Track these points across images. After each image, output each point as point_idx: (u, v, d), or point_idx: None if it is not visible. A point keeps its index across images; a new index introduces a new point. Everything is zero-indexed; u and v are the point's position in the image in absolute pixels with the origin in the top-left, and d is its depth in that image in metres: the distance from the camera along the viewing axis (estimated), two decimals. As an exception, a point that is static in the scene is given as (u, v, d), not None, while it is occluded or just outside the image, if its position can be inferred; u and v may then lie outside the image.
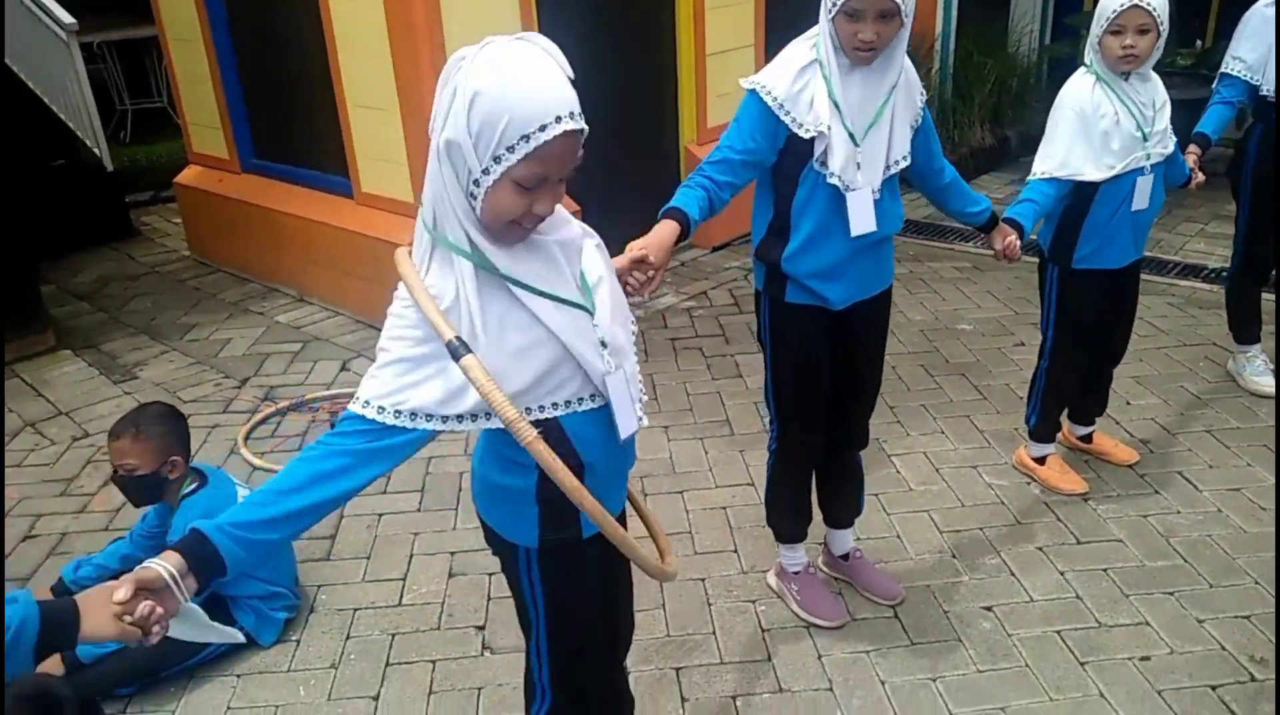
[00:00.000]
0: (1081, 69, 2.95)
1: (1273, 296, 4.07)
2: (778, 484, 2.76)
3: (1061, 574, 2.93)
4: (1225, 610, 2.74)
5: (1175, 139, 3.01)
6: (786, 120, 2.24)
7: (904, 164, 2.36)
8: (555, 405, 1.53)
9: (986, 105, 6.77)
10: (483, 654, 2.73)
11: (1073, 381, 3.27)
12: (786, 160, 2.30)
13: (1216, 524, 3.11)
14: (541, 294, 1.48)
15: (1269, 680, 2.50)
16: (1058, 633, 2.70)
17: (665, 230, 2.07)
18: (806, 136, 2.24)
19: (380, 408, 1.44)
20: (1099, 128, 2.87)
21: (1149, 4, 2.69)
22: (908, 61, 2.29)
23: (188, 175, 5.94)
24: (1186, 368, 4.09)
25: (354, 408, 1.46)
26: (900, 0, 2.09)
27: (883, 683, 2.57)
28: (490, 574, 3.02)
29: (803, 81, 2.23)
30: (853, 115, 2.24)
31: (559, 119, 1.34)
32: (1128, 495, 3.28)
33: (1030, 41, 7.62)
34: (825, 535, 2.93)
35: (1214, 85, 3.65)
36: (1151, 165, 2.94)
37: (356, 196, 4.83)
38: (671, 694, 2.56)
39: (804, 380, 2.52)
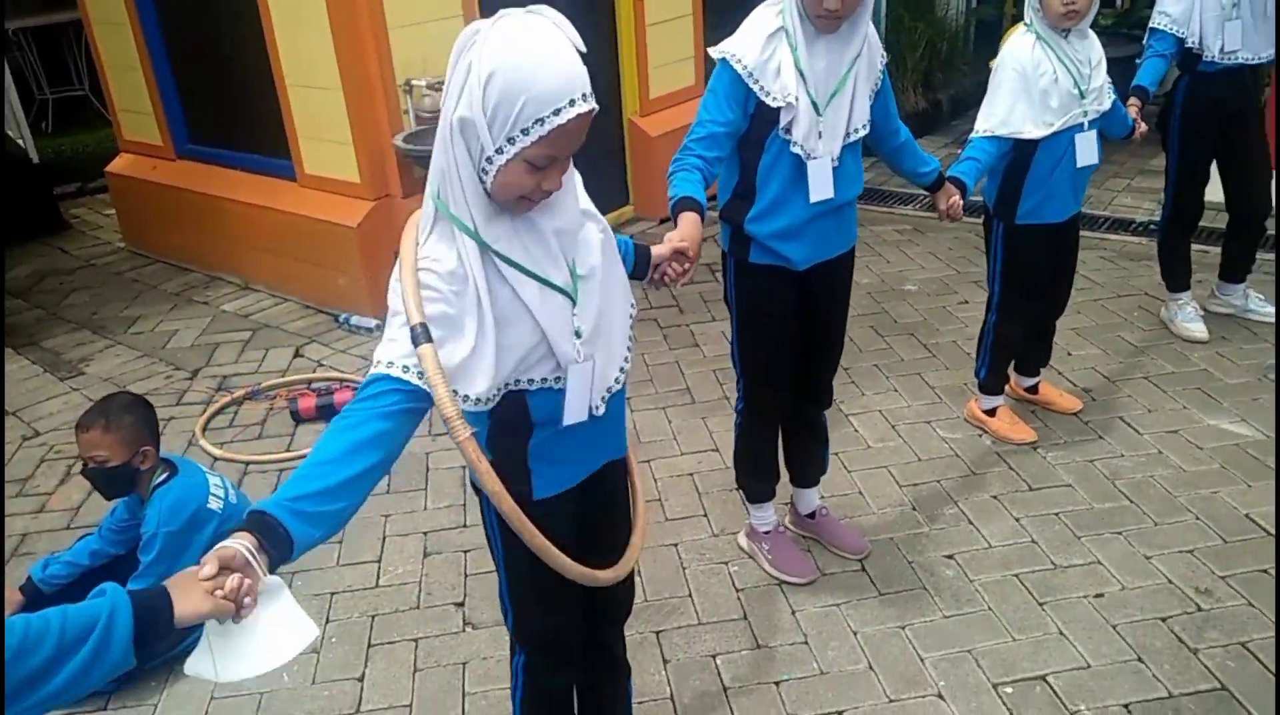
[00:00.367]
0: (1022, 28, 3.04)
1: (1204, 247, 4.23)
2: (746, 443, 2.83)
3: (1016, 520, 3.05)
4: (1170, 546, 2.89)
5: (1116, 93, 3.12)
6: (755, 89, 2.29)
7: (863, 132, 2.43)
8: (529, 381, 1.57)
9: (918, 70, 6.87)
10: (464, 630, 2.77)
11: (1020, 334, 3.39)
12: (753, 126, 2.35)
13: (1158, 465, 3.26)
14: (528, 273, 1.51)
15: (1214, 609, 2.65)
16: (1016, 576, 2.83)
17: (695, 223, 2.10)
18: (774, 105, 2.29)
19: (405, 367, 1.44)
20: (1038, 86, 2.97)
21: None
22: (871, 28, 2.35)
23: (119, 164, 5.79)
24: (1122, 318, 4.25)
25: (381, 370, 1.45)
26: None
27: (855, 633, 2.67)
28: (465, 551, 3.05)
29: (770, 49, 2.28)
30: (817, 84, 2.29)
31: (573, 102, 1.37)
32: (1074, 442, 3.42)
33: (958, 5, 7.75)
34: (792, 495, 3.02)
35: (1145, 40, 3.78)
36: (1090, 122, 3.05)
37: (300, 179, 4.76)
38: (653, 656, 2.62)
39: (769, 339, 2.59)
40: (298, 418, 3.81)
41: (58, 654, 1.13)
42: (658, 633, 2.70)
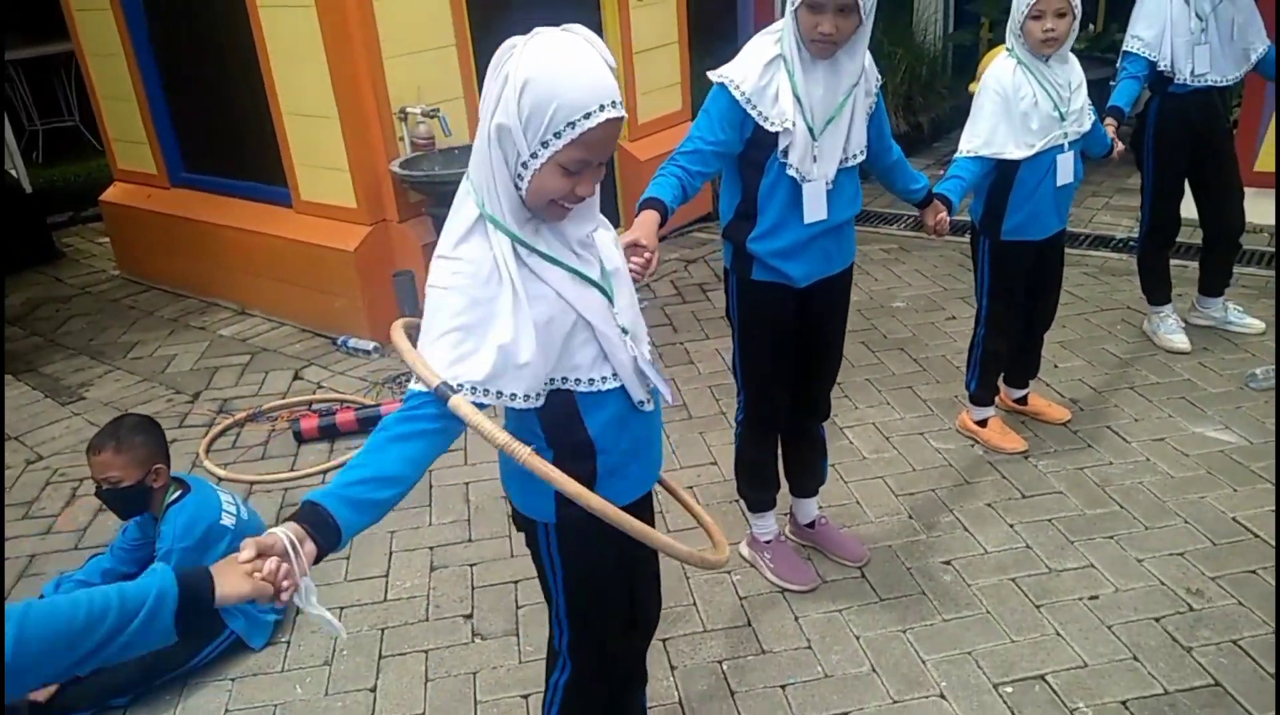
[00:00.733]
0: (1004, 52, 3.14)
1: (1183, 262, 4.35)
2: (746, 454, 2.89)
3: (1011, 526, 3.13)
4: (1161, 549, 2.97)
5: (1095, 113, 3.23)
6: (753, 114, 2.36)
7: (861, 158, 2.51)
8: (576, 381, 1.63)
9: (899, 94, 7.03)
10: (473, 640, 2.81)
11: (1007, 346, 3.48)
12: (753, 150, 2.43)
13: (1146, 472, 3.34)
14: (563, 266, 1.57)
15: (1206, 609, 2.72)
16: (1012, 580, 2.89)
17: (648, 218, 2.19)
18: (773, 130, 2.37)
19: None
20: (1019, 109, 3.08)
21: None
22: (868, 56, 2.43)
23: (114, 193, 5.84)
24: (1106, 331, 4.35)
25: (417, 387, 1.50)
26: None
27: (857, 637, 2.73)
28: (472, 565, 3.09)
29: (769, 76, 2.35)
30: (814, 110, 2.37)
31: (603, 107, 1.45)
32: (1064, 450, 3.50)
33: (935, 30, 7.93)
34: (791, 505, 3.08)
35: (1119, 63, 3.90)
36: (1070, 143, 3.15)
37: (296, 205, 4.83)
38: (661, 663, 2.67)
39: (769, 353, 2.66)
40: (300, 438, 3.85)
41: (118, 625, 1.22)
42: (664, 640, 2.75)
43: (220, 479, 3.63)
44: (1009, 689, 2.51)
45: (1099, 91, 3.96)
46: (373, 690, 2.65)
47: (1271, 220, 5.03)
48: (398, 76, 4.37)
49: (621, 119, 1.49)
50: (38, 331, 5.16)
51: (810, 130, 2.38)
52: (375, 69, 4.31)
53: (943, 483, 3.38)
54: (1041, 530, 3.10)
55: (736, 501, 3.16)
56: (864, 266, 5.24)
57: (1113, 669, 2.55)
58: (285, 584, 1.32)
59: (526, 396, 1.55)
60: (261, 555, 1.32)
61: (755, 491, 2.95)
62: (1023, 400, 3.73)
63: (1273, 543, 2.93)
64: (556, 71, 1.43)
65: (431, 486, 3.50)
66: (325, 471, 3.67)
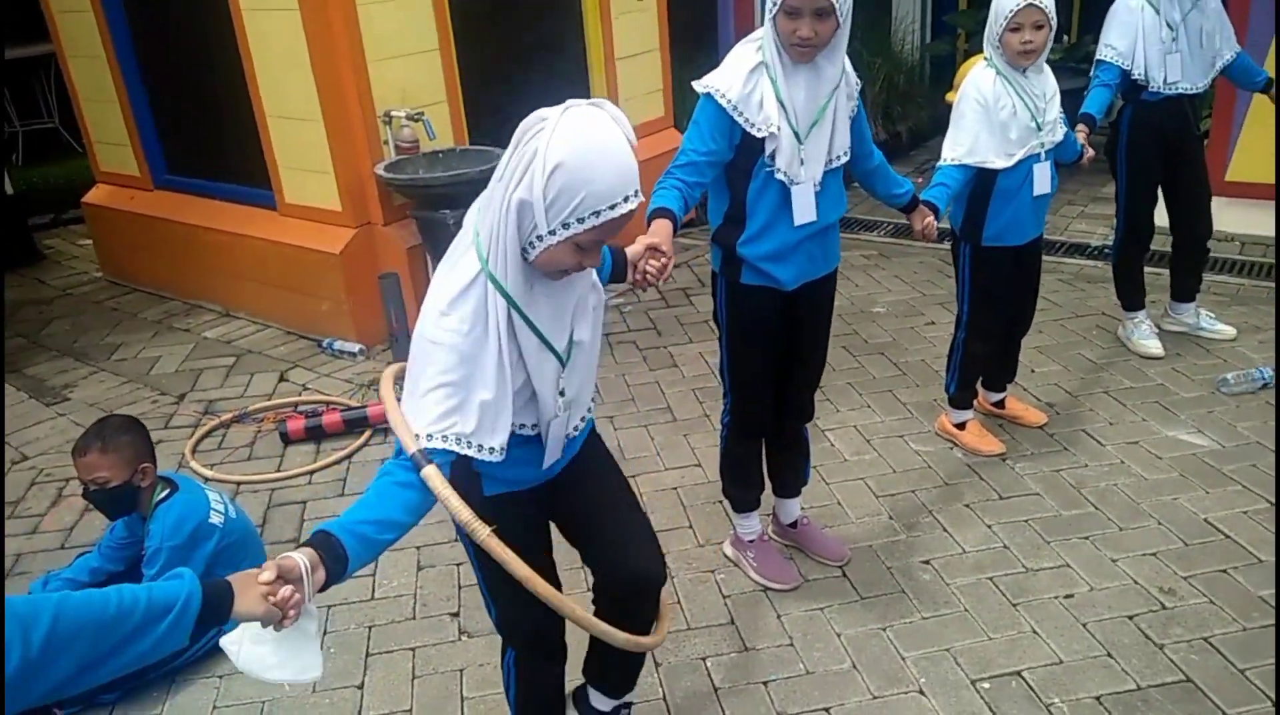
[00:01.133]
0: (982, 62, 3.21)
1: (1157, 269, 4.43)
2: (732, 455, 2.94)
3: (989, 527, 3.19)
4: (1135, 549, 3.03)
5: (1067, 122, 3.30)
6: (740, 121, 2.41)
7: (845, 159, 2.57)
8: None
9: (878, 103, 7.11)
10: (460, 638, 2.84)
11: (987, 350, 3.55)
12: (741, 156, 2.47)
13: (1120, 474, 3.41)
14: (538, 334, 1.67)
15: (1178, 607, 2.79)
16: (990, 579, 2.95)
17: (663, 226, 2.26)
18: (759, 135, 2.42)
19: (430, 436, 1.58)
20: (998, 118, 3.14)
21: (1042, 2, 2.97)
22: (847, 60, 2.49)
23: (96, 195, 5.83)
24: (1081, 337, 4.43)
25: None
26: (835, 0, 2.28)
27: (838, 635, 2.78)
28: (458, 564, 3.12)
29: (753, 83, 2.40)
30: (798, 114, 2.42)
31: (626, 199, 1.54)
32: (1040, 453, 3.57)
33: (913, 40, 8.02)
34: (774, 506, 3.13)
35: (1092, 70, 3.98)
36: (1046, 152, 3.22)
37: (280, 208, 4.84)
38: (646, 660, 2.70)
39: (756, 356, 2.71)
40: (287, 440, 3.87)
41: (143, 623, 1.25)
42: (649, 638, 2.79)
43: (206, 479, 3.64)
44: (986, 685, 2.57)
45: (1073, 101, 4.04)
46: (360, 687, 2.68)
47: (1242, 229, 5.15)
48: (382, 80, 4.40)
49: (641, 205, 1.59)
50: (20, 333, 5.14)
51: (796, 134, 2.44)
52: (359, 72, 4.34)
53: (922, 484, 3.44)
54: (1019, 531, 3.16)
55: (721, 502, 3.21)
56: (845, 272, 5.29)
57: (1087, 665, 2.60)
58: (291, 612, 1.39)
59: (494, 449, 1.64)
60: (281, 578, 1.38)
61: (740, 492, 3.00)
62: (1000, 404, 3.79)
63: (1244, 544, 3.00)
64: (586, 161, 1.49)
65: (417, 487, 3.52)
66: (311, 472, 3.69)
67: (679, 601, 2.93)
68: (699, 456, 3.65)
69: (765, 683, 2.62)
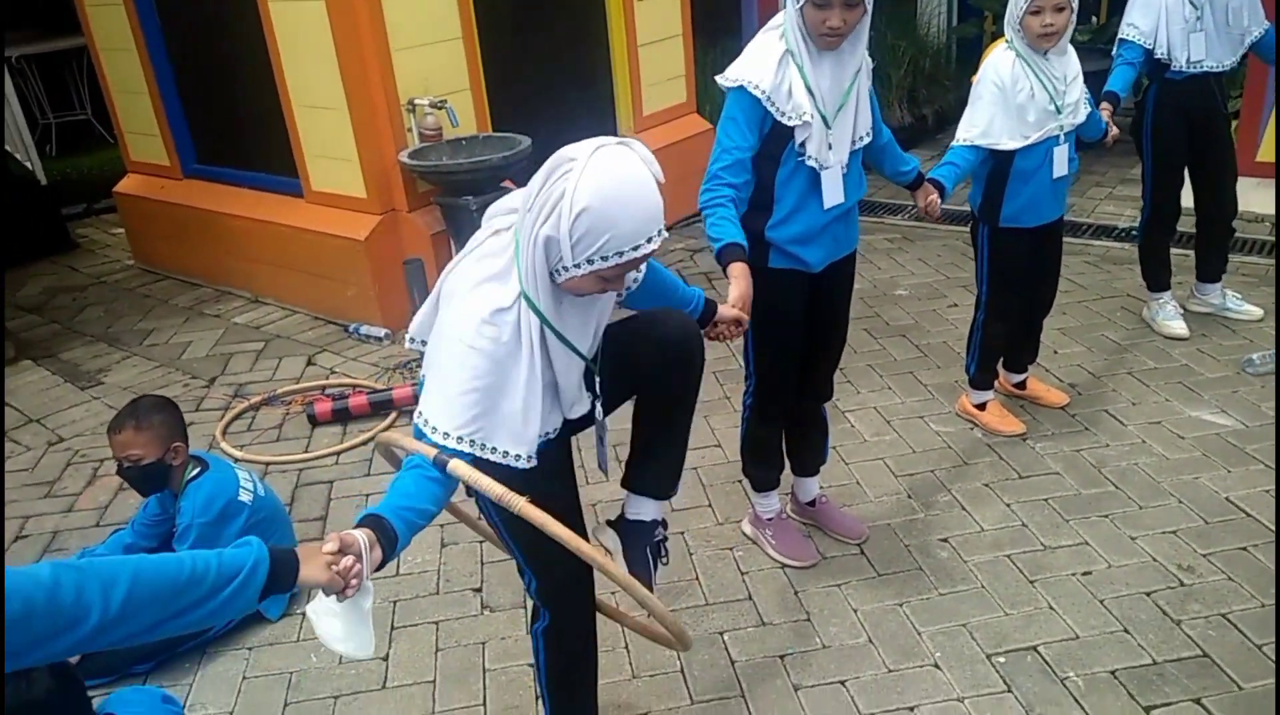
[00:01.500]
0: (1003, 44, 3.21)
1: (1184, 251, 4.40)
2: (753, 435, 2.96)
3: (1007, 505, 3.20)
4: (1154, 527, 3.03)
5: (1092, 103, 3.29)
6: (772, 110, 2.41)
7: (868, 139, 2.59)
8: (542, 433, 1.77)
9: (903, 86, 7.08)
10: (482, 612, 2.89)
11: (1006, 330, 3.55)
12: (769, 144, 2.48)
13: (1142, 453, 3.41)
14: (565, 343, 1.72)
15: (1196, 584, 2.79)
16: (1008, 556, 2.97)
17: (748, 279, 2.30)
18: (790, 124, 2.42)
19: (459, 438, 1.64)
20: (1016, 100, 3.14)
21: None
22: None
23: (128, 184, 5.94)
24: (1105, 318, 4.41)
25: (435, 438, 1.65)
26: None
27: (855, 610, 2.81)
28: (481, 541, 3.17)
29: (781, 73, 2.40)
30: (825, 100, 2.43)
31: (650, 239, 1.58)
32: (1061, 433, 3.57)
33: (939, 23, 7.98)
34: (793, 484, 3.16)
35: (1115, 49, 3.96)
36: (1065, 135, 3.22)
37: (307, 195, 4.92)
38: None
39: (781, 339, 2.73)
40: (314, 421, 3.94)
41: (215, 586, 1.32)
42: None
43: (236, 460, 3.72)
44: (1001, 659, 2.59)
45: (1100, 82, 4.02)
46: (385, 659, 2.74)
47: (1271, 209, 5.09)
48: (405, 69, 4.46)
49: (665, 241, 1.63)
50: (55, 319, 5.26)
51: (825, 120, 2.45)
52: (383, 61, 4.39)
53: (941, 464, 3.45)
54: (1037, 509, 3.17)
55: (740, 481, 3.24)
56: (868, 255, 5.30)
57: (1103, 640, 2.62)
58: (354, 581, 1.45)
59: (520, 456, 1.69)
60: (343, 550, 1.44)
61: (760, 471, 3.03)
62: (1021, 384, 3.79)
63: (1265, 522, 3.00)
64: (613, 205, 1.53)
65: (441, 467, 3.58)
66: (339, 453, 3.76)
67: (698, 578, 2.97)
68: (719, 437, 3.68)
69: (782, 656, 2.66)
